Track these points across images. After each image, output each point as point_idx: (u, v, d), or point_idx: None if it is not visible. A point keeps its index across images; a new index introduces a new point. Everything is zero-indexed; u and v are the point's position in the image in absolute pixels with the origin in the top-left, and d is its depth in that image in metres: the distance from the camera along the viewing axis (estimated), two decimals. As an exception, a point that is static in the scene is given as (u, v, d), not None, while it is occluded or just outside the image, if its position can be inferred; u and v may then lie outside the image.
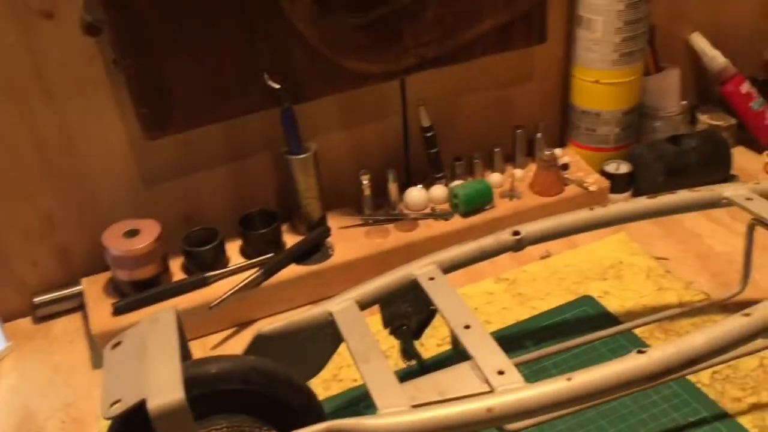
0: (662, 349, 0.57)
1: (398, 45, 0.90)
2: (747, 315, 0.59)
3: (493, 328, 0.86)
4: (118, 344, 0.59)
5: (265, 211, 0.95)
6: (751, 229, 0.77)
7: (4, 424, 0.79)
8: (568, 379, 0.55)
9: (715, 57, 1.15)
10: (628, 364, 0.56)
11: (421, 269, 0.72)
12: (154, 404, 0.51)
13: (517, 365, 0.58)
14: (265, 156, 0.99)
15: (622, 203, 0.79)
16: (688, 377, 0.76)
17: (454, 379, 0.59)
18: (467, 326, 0.64)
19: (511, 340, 0.83)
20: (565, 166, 1.07)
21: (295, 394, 0.61)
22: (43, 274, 0.94)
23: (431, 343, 0.84)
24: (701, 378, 0.76)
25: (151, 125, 0.85)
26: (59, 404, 0.81)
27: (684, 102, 1.12)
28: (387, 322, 0.74)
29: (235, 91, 0.87)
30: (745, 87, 1.14)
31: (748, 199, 0.76)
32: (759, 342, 0.76)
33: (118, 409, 0.52)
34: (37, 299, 0.93)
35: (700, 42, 1.16)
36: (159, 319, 0.60)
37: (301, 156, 0.92)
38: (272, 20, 0.84)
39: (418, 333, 0.76)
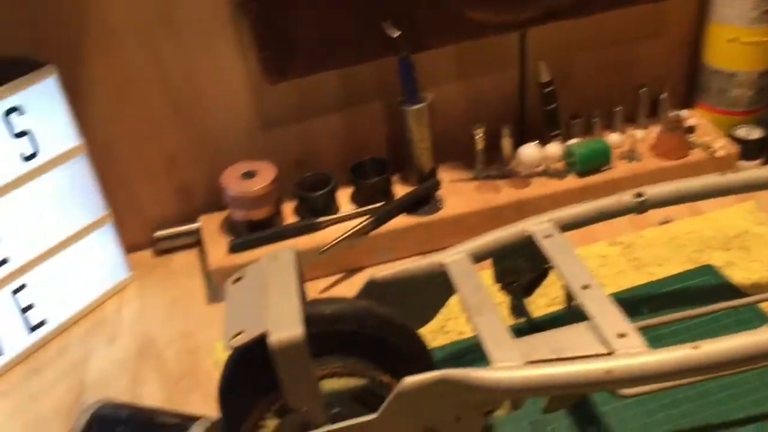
0: (799, 324, 0.54)
1: (523, -6, 0.87)
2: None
3: (607, 291, 0.83)
4: (239, 279, 0.61)
5: (376, 159, 0.95)
6: None
7: (129, 347, 0.84)
8: (695, 347, 0.53)
9: None
10: (761, 337, 0.53)
11: (537, 226, 0.71)
12: (275, 338, 0.52)
13: (636, 330, 0.56)
14: (379, 105, 0.99)
15: (757, 170, 0.75)
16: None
17: (571, 338, 0.57)
18: (585, 286, 0.62)
19: (625, 305, 0.79)
20: (691, 129, 1.01)
21: (408, 340, 0.61)
22: (164, 210, 0.98)
23: (541, 302, 0.83)
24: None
25: (273, 69, 0.86)
26: (177, 334, 0.85)
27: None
28: (498, 278, 0.74)
29: (355, 39, 0.87)
30: None
31: None
32: None
33: (240, 340, 0.54)
34: (159, 233, 0.98)
35: None
36: (279, 257, 0.62)
37: (417, 106, 0.91)
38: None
39: (529, 290, 0.75)
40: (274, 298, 0.57)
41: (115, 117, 0.91)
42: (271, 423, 0.59)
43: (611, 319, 0.58)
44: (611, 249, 0.90)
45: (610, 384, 0.53)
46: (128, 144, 0.93)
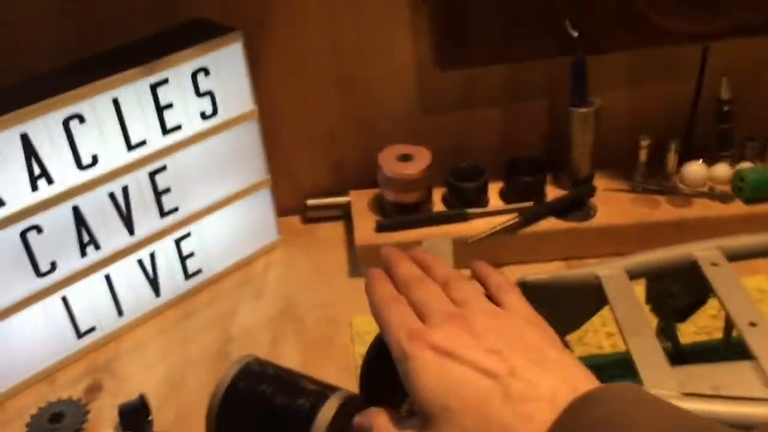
0: None
1: (717, 5, 0.83)
2: None
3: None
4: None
5: (532, 158, 0.94)
6: None
7: (271, 308, 0.88)
8: None
9: None
10: None
11: (703, 251, 0.68)
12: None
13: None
14: (543, 103, 0.97)
15: None
16: None
17: (733, 375, 0.55)
18: (753, 323, 0.59)
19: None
20: None
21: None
22: (317, 180, 1.02)
23: (688, 329, 0.79)
24: None
25: (446, 56, 0.87)
26: (318, 302, 0.89)
27: None
28: (651, 298, 0.71)
29: (532, 35, 0.86)
30: None
31: None
32: None
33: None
34: (310, 202, 1.01)
35: None
36: (438, 246, 0.62)
37: (584, 109, 0.89)
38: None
39: (683, 315, 0.72)
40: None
41: (286, 86, 0.94)
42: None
43: (780, 362, 0.55)
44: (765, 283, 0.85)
45: (775, 432, 0.51)
46: (293, 113, 0.97)
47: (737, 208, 0.91)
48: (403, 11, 0.90)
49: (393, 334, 0.45)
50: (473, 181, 0.92)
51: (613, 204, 0.93)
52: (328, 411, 0.62)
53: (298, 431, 0.62)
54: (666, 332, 0.74)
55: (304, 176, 1.02)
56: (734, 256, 0.68)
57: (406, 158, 0.91)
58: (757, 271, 0.87)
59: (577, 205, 0.92)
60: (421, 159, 0.91)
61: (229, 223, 0.91)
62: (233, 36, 0.83)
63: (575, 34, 0.84)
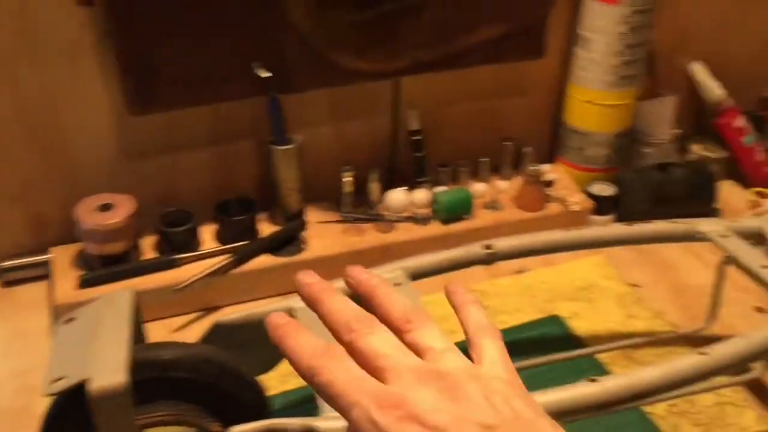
0: (615, 379, 0.57)
1: (393, 45, 0.90)
2: (704, 354, 0.59)
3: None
4: (71, 320, 0.59)
5: (243, 198, 0.95)
6: (723, 267, 0.77)
7: (-43, 386, 0.78)
8: (517, 401, 0.55)
9: (713, 88, 1.15)
10: (579, 392, 0.56)
11: (388, 273, 0.72)
12: (95, 385, 0.50)
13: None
14: (250, 144, 0.98)
15: (598, 228, 0.79)
16: (643, 408, 0.76)
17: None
18: (425, 337, 0.63)
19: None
20: (550, 183, 1.06)
21: (245, 388, 0.60)
22: (14, 239, 0.93)
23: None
24: (657, 410, 0.76)
25: (136, 100, 0.84)
26: (15, 370, 0.81)
27: (676, 130, 1.12)
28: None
29: (225, 76, 0.87)
30: (739, 121, 1.14)
31: (723, 236, 0.76)
32: (717, 379, 0.76)
33: (59, 386, 0.51)
34: (5, 264, 0.92)
35: (700, 72, 1.15)
36: (115, 300, 0.60)
37: (285, 147, 0.92)
38: (267, 8, 0.83)
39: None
40: (102, 343, 0.55)
41: (-36, 139, 0.86)
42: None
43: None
44: (468, 296, 0.92)
45: None
46: (-23, 168, 0.88)
47: (435, 229, 0.98)
48: (89, 54, 0.86)
49: (350, 404, 0.34)
50: (183, 225, 0.90)
51: (324, 236, 0.96)
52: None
53: None
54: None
55: (0, 236, 0.93)
56: (416, 275, 0.74)
57: (106, 207, 0.87)
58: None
59: (289, 240, 0.94)
60: (124, 207, 0.87)
61: None
62: None
63: (265, 74, 0.86)
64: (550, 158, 1.13)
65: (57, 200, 0.92)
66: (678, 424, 0.75)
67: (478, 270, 0.94)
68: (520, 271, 0.97)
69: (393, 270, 0.72)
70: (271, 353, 0.71)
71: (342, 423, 0.54)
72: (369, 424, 0.33)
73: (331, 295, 0.40)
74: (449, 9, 0.90)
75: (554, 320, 0.88)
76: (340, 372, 0.35)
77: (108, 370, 0.52)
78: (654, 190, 1.03)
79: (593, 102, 1.03)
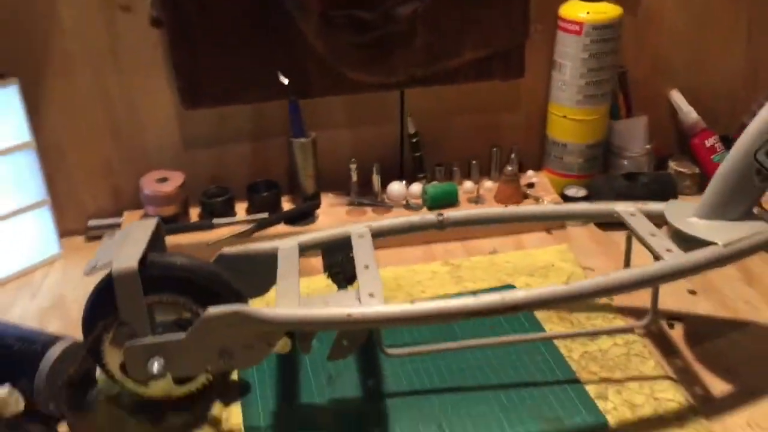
0: (490, 296, 0.76)
1: (389, 63, 1.13)
2: (565, 284, 0.77)
3: (425, 295, 1.05)
4: (112, 234, 0.84)
5: (269, 181, 1.19)
6: (628, 239, 0.93)
7: (43, 301, 1.06)
8: (411, 302, 0.75)
9: (689, 112, 1.30)
10: (460, 303, 0.75)
11: (356, 229, 0.93)
12: (114, 267, 0.75)
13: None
14: (283, 139, 1.23)
15: (533, 206, 0.98)
16: (561, 351, 0.93)
17: (340, 297, 0.80)
18: (366, 266, 0.84)
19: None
20: (532, 185, 1.25)
21: (230, 294, 0.83)
22: (98, 205, 1.22)
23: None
24: (573, 353, 0.93)
25: (185, 98, 1.11)
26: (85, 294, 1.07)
27: (648, 146, 1.28)
28: (326, 269, 0.95)
29: (256, 82, 1.12)
30: (711, 141, 1.28)
31: (632, 215, 0.92)
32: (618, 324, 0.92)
33: (91, 268, 0.76)
34: (91, 222, 1.21)
35: (677, 98, 1.31)
36: (143, 224, 0.84)
37: (302, 140, 1.16)
38: (289, 29, 1.09)
39: (351, 280, 0.96)
40: (127, 246, 0.79)
41: (66, 125, 1.15)
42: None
43: (371, 285, 0.80)
44: (443, 268, 1.12)
45: (350, 324, 0.75)
46: (75, 148, 1.17)
47: (422, 213, 1.18)
48: (158, 62, 1.14)
49: None
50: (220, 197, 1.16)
51: (332, 214, 1.19)
52: (54, 351, 0.81)
53: (32, 367, 0.81)
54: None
55: (88, 201, 1.22)
56: (379, 233, 0.95)
57: (163, 180, 1.14)
58: (435, 258, 1.14)
59: (304, 215, 1.18)
60: (175, 180, 1.14)
61: (10, 237, 1.09)
62: (9, 81, 1.03)
63: (286, 82, 1.11)
64: (538, 166, 1.32)
65: (131, 176, 1.20)
66: (586, 365, 0.91)
67: (457, 248, 1.15)
68: (493, 252, 1.16)
69: (361, 227, 0.94)
70: (261, 281, 0.94)
71: (283, 311, 0.76)
72: None
73: None
74: (437, 36, 1.13)
75: (507, 288, 1.06)
76: None
77: (125, 260, 0.76)
78: (619, 195, 1.19)
79: (567, 117, 1.21)
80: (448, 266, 1.13)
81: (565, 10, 1.16)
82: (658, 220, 0.93)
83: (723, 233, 0.84)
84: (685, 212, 0.90)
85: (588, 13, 1.13)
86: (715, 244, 0.82)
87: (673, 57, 1.30)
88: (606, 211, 0.95)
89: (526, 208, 0.96)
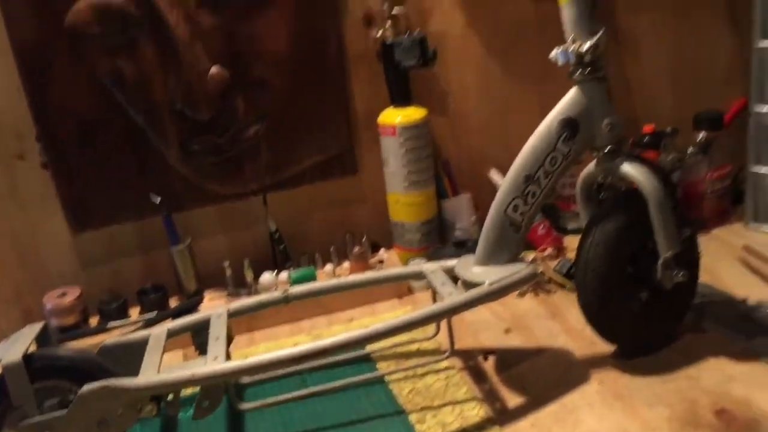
0: (304, 346, 0.97)
1: (242, 176, 1.38)
2: (364, 327, 0.99)
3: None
4: (7, 338, 1.04)
5: (156, 285, 1.41)
6: (432, 290, 1.16)
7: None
8: (245, 358, 0.96)
9: (507, 185, 1.57)
10: (276, 354, 0.96)
11: (215, 311, 1.15)
12: (3, 361, 0.95)
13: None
14: (166, 247, 1.45)
15: (363, 275, 1.21)
16: (392, 389, 1.14)
17: (194, 363, 1.01)
18: (217, 338, 1.06)
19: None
20: (382, 261, 1.49)
21: (107, 375, 1.02)
22: (13, 328, 1.41)
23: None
24: (403, 391, 1.14)
25: (74, 223, 1.34)
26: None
27: (474, 217, 1.53)
28: (196, 346, 1.16)
29: (133, 203, 1.36)
30: (527, 206, 1.55)
31: (432, 271, 1.16)
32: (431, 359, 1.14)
33: (-10, 363, 0.96)
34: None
35: (495, 175, 1.58)
36: (31, 326, 1.05)
37: (179, 247, 1.38)
38: (157, 156, 1.34)
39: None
40: (17, 344, 0.99)
41: (-24, 259, 1.36)
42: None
43: (217, 349, 1.01)
44: (305, 338, 1.34)
45: (195, 382, 0.96)
46: (-14, 278, 1.38)
47: (270, 292, 1.41)
48: (52, 198, 1.36)
49: None
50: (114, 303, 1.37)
51: (214, 307, 1.40)
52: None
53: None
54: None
55: (2, 325, 1.41)
56: (236, 313, 1.16)
57: (63, 295, 1.34)
58: (302, 331, 1.35)
59: (189, 310, 1.38)
60: (73, 293, 1.35)
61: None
62: None
63: (157, 200, 1.35)
64: (389, 245, 1.56)
65: (38, 297, 1.40)
66: (412, 399, 1.12)
67: (322, 321, 1.37)
68: (350, 320, 1.38)
69: (219, 309, 1.15)
70: (140, 364, 1.13)
71: (143, 379, 0.96)
72: None
73: None
74: (278, 150, 1.39)
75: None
76: None
77: (12, 354, 0.96)
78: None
79: (400, 201, 1.47)
80: (310, 336, 1.34)
81: (382, 118, 1.44)
82: (452, 273, 1.17)
83: (491, 275, 1.09)
84: (470, 263, 1.15)
85: (399, 118, 1.41)
86: (482, 284, 1.06)
87: (485, 143, 1.58)
88: (416, 271, 1.19)
89: (354, 276, 1.20)
